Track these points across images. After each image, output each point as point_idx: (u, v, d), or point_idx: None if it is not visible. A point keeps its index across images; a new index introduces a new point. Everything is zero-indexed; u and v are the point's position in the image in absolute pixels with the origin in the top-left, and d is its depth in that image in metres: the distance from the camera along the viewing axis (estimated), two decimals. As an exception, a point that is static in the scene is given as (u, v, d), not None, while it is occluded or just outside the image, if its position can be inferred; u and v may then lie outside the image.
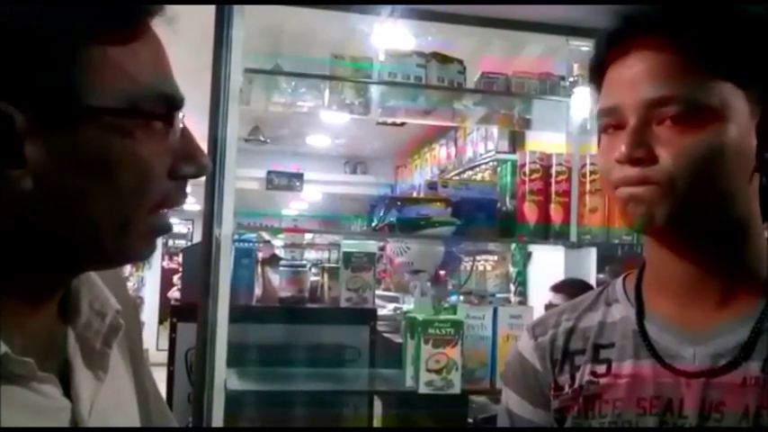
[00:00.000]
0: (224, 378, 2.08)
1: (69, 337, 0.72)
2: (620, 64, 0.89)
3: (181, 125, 0.70)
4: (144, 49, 0.66)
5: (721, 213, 0.87)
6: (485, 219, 2.21)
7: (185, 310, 2.50)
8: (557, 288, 3.07)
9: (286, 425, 2.31)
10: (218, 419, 2.07)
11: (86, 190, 0.64)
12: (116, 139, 0.64)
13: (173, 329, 2.58)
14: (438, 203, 2.18)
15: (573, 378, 0.96)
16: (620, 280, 1.02)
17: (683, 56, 0.84)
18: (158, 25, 0.69)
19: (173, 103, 0.68)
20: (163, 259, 12.45)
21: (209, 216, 2.08)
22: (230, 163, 2.07)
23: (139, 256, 0.71)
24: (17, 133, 0.60)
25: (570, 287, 2.87)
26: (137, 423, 0.81)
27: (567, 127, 2.59)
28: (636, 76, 0.86)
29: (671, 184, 0.84)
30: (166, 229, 0.72)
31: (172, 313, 2.71)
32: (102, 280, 0.78)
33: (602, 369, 0.94)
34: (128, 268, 11.33)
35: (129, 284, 11.41)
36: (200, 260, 2.12)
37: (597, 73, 0.93)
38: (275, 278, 2.69)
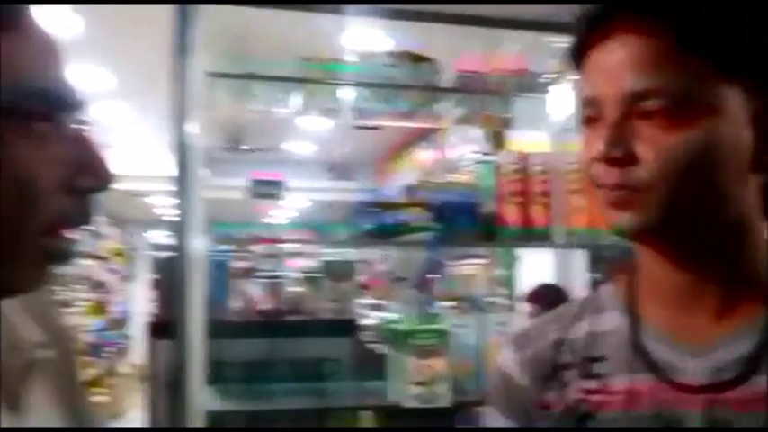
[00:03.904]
0: (201, 397, 2.00)
1: None
2: (602, 49, 0.80)
3: (78, 130, 0.61)
4: (21, 44, 0.58)
5: (713, 218, 0.79)
6: (465, 223, 2.14)
7: (161, 327, 2.40)
8: (530, 298, 3.01)
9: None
10: (196, 440, 1.99)
11: None
12: None
13: (149, 346, 2.48)
14: (416, 208, 2.11)
15: (562, 396, 0.88)
16: (608, 286, 0.94)
17: (670, 43, 0.76)
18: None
19: (58, 103, 0.60)
20: (150, 271, 12.33)
21: (178, 228, 2.00)
22: (197, 172, 1.99)
23: (27, 286, 0.62)
24: None
25: (543, 295, 2.81)
26: None
27: (549, 125, 2.53)
28: (617, 65, 0.78)
29: (654, 188, 0.76)
30: (64, 256, 0.62)
31: (148, 330, 2.62)
32: (27, 310, 0.70)
33: (593, 385, 0.86)
34: (114, 282, 11.20)
35: (117, 299, 11.29)
36: (171, 274, 2.04)
37: (578, 59, 0.84)
38: (253, 290, 2.61)
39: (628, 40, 0.78)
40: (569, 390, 0.87)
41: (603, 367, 0.86)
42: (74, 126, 0.61)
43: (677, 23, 0.76)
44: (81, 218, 0.62)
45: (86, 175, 0.61)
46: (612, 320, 0.89)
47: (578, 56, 0.84)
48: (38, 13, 0.61)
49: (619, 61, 0.78)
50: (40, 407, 0.70)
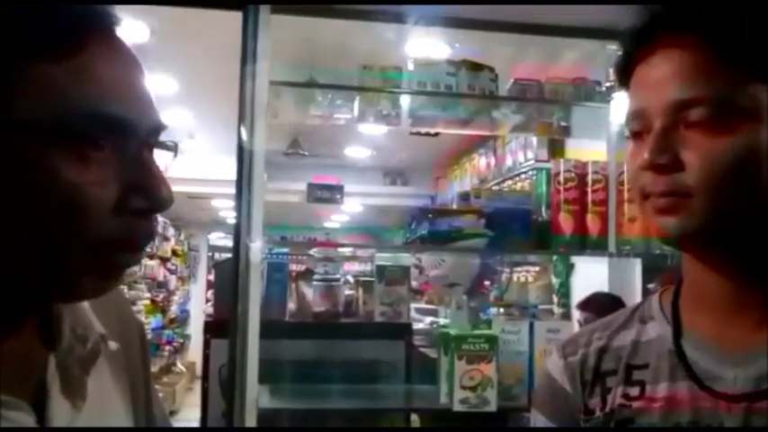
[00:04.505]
0: (255, 395, 2.05)
1: (50, 362, 0.68)
2: (646, 64, 0.83)
3: (141, 153, 0.62)
4: (89, 67, 0.60)
5: (758, 224, 0.80)
6: (519, 230, 2.15)
7: (218, 326, 2.48)
8: (583, 305, 2.99)
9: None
10: (249, 437, 2.04)
11: (2, 220, 0.58)
12: (36, 162, 0.57)
13: (206, 345, 2.56)
14: (470, 215, 2.12)
15: (604, 401, 0.90)
16: (656, 296, 0.95)
17: (711, 54, 0.78)
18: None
19: (119, 126, 0.61)
20: (209, 272, 12.56)
21: (238, 231, 2.06)
22: (258, 177, 2.05)
23: (82, 297, 0.66)
24: None
25: (597, 303, 2.80)
26: None
27: (608, 134, 2.51)
28: (661, 77, 0.81)
29: (700, 194, 0.78)
30: (116, 277, 0.64)
31: (205, 329, 2.70)
32: (97, 302, 0.73)
33: (634, 392, 0.88)
34: (173, 282, 11.47)
35: (176, 298, 11.55)
36: (231, 275, 2.10)
37: (624, 75, 0.88)
38: (309, 293, 2.66)
39: (670, 54, 0.81)
40: (611, 396, 0.89)
41: (645, 375, 0.88)
42: (129, 146, 0.62)
43: (716, 38, 0.79)
44: (135, 239, 0.63)
45: (139, 196, 0.62)
46: (656, 329, 0.91)
47: (624, 73, 0.87)
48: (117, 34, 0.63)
49: (663, 74, 0.81)
50: (104, 394, 0.74)
